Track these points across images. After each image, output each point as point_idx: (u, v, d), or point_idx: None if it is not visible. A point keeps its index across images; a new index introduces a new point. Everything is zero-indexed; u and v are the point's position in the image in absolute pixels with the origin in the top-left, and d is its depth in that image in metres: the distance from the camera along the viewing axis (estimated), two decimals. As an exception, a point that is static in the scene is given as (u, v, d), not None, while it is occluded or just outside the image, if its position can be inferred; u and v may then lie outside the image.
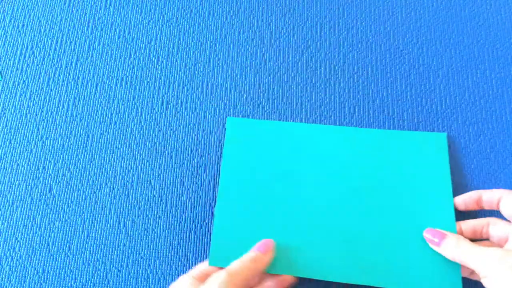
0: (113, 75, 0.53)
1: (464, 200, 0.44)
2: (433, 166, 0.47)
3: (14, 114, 0.51)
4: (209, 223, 0.47)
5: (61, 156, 0.49)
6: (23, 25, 0.55)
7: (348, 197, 0.46)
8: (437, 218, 0.45)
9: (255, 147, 0.48)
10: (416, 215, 0.45)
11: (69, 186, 0.48)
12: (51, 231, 0.46)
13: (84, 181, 0.48)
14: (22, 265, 0.45)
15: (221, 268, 0.42)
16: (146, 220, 0.47)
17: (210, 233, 0.46)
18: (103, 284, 0.44)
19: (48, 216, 0.47)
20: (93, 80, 0.53)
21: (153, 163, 0.49)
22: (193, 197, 0.48)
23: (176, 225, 0.47)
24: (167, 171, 0.48)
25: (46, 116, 0.51)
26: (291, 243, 0.44)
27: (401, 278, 0.43)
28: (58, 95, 0.52)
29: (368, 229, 0.45)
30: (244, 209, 0.45)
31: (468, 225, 0.43)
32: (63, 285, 0.45)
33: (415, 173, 0.47)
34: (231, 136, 0.48)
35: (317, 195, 0.46)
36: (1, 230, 0.46)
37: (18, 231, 0.46)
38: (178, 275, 0.45)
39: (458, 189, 0.47)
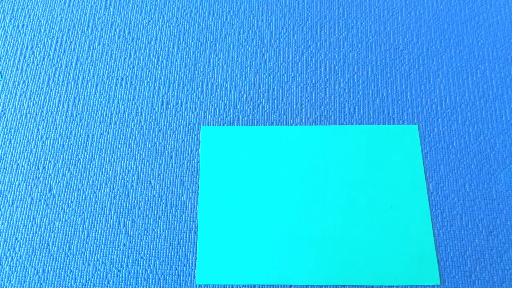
0: (113, 75, 0.53)
1: None
2: (406, 158, 0.48)
3: (14, 114, 0.51)
4: (209, 223, 0.47)
5: (61, 156, 0.49)
6: (23, 25, 0.55)
7: (328, 197, 0.47)
8: (412, 209, 0.46)
9: (232, 154, 0.49)
10: (393, 210, 0.46)
11: (69, 186, 0.48)
12: (51, 231, 0.46)
13: (84, 181, 0.48)
14: (22, 265, 0.45)
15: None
16: (146, 220, 0.47)
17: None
18: (103, 284, 0.44)
19: (48, 216, 0.47)
20: (93, 80, 0.53)
21: (153, 163, 0.49)
22: (193, 197, 0.48)
23: (176, 225, 0.47)
24: (167, 171, 0.48)
25: (46, 116, 0.51)
26: (277, 252, 0.45)
27: (382, 273, 0.44)
28: (58, 95, 0.52)
29: (350, 227, 0.46)
30: (226, 221, 0.46)
31: None
32: (63, 285, 0.45)
33: (390, 167, 0.48)
34: (206, 146, 0.49)
35: (299, 198, 0.47)
36: (1, 230, 0.46)
37: (18, 231, 0.46)
38: (178, 275, 0.45)
39: (458, 190, 0.47)
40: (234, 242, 0.45)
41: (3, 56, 0.54)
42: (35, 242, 0.46)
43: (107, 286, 0.44)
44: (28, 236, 0.46)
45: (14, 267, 0.45)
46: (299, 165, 0.48)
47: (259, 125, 0.50)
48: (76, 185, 0.48)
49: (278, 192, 0.47)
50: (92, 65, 0.53)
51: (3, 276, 0.45)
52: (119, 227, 0.46)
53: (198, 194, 0.47)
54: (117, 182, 0.48)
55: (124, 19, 0.56)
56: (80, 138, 0.50)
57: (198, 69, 0.53)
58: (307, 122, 0.50)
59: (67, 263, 0.45)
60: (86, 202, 0.47)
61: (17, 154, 0.49)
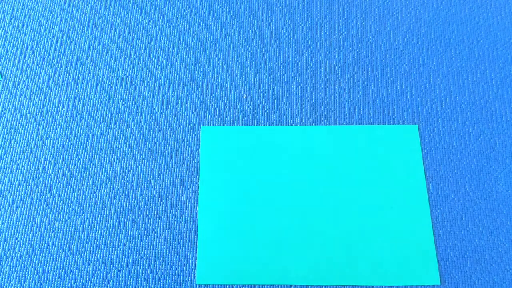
0: (113, 75, 0.53)
1: None
2: (406, 158, 0.48)
3: (14, 114, 0.51)
4: (209, 223, 0.47)
5: (61, 156, 0.49)
6: (23, 25, 0.55)
7: (328, 197, 0.47)
8: (412, 209, 0.46)
9: (232, 154, 0.48)
10: (393, 210, 0.46)
11: (69, 186, 0.48)
12: (51, 231, 0.46)
13: (84, 181, 0.48)
14: (22, 265, 0.45)
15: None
16: (146, 220, 0.47)
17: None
18: (103, 284, 0.44)
19: (48, 216, 0.47)
20: (93, 80, 0.53)
21: (153, 163, 0.49)
22: (193, 197, 0.47)
23: (176, 225, 0.47)
24: (167, 171, 0.48)
25: (46, 116, 0.51)
26: (277, 252, 0.45)
27: (382, 273, 0.44)
28: (58, 95, 0.52)
29: (350, 227, 0.46)
30: (226, 221, 0.46)
31: None
32: (63, 285, 0.45)
33: (390, 167, 0.48)
34: (206, 146, 0.49)
35: (299, 198, 0.47)
36: (1, 230, 0.46)
37: (18, 231, 0.46)
38: (178, 275, 0.45)
39: (458, 190, 0.47)
40: (234, 242, 0.45)
41: (3, 56, 0.54)
42: (35, 242, 0.46)
43: (107, 286, 0.44)
44: (28, 236, 0.46)
45: (14, 267, 0.45)
46: (299, 165, 0.48)
47: (259, 125, 0.50)
48: (76, 185, 0.48)
49: (278, 192, 0.47)
50: (92, 65, 0.53)
51: (3, 276, 0.45)
52: (119, 227, 0.46)
53: (198, 194, 0.47)
54: (117, 182, 0.48)
55: (124, 19, 0.56)
56: (80, 138, 0.50)
57: (198, 69, 0.53)
58: (307, 122, 0.50)
59: (67, 263, 0.45)
60: (86, 202, 0.47)
61: (17, 154, 0.49)
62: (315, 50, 0.54)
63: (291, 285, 0.44)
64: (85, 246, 0.46)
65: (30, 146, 0.50)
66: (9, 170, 0.49)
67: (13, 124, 0.51)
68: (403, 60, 0.53)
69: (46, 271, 0.45)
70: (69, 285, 0.45)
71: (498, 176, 0.48)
